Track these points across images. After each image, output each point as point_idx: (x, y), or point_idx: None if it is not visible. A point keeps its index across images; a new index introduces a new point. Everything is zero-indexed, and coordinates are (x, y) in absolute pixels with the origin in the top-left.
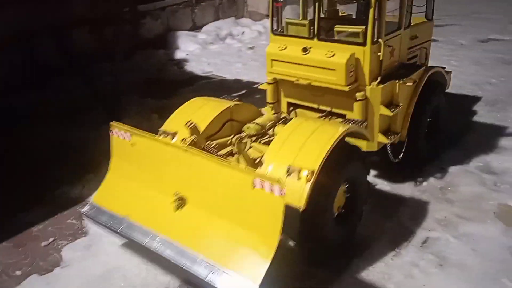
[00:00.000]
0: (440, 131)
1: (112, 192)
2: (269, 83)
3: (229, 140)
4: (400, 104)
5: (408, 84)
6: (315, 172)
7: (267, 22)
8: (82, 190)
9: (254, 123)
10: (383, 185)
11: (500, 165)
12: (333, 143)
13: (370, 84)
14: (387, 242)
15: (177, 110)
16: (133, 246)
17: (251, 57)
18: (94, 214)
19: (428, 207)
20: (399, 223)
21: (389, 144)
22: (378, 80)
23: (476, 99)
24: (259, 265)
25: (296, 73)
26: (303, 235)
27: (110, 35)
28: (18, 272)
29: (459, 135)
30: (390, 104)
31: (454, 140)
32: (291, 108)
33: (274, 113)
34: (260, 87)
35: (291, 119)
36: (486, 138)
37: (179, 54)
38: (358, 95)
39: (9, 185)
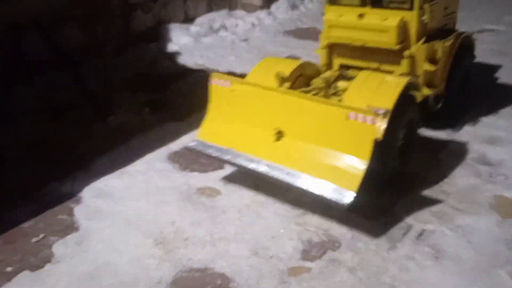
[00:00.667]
0: (469, 89)
1: (214, 129)
2: (323, 48)
3: (307, 89)
4: (440, 62)
5: (446, 44)
6: (390, 111)
7: (260, 14)
8: (72, 185)
9: (320, 78)
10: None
11: (496, 156)
12: (402, 88)
13: (415, 44)
14: (383, 236)
15: (253, 69)
16: (125, 241)
17: (244, 49)
18: (200, 148)
19: (424, 199)
20: (393, 216)
21: (430, 96)
22: (423, 40)
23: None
24: (355, 177)
25: (352, 36)
26: (376, 160)
27: (100, 30)
28: (9, 269)
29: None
30: (432, 61)
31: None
32: (342, 70)
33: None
34: (315, 51)
35: (348, 75)
36: (481, 129)
37: (171, 47)
38: (407, 53)
39: None
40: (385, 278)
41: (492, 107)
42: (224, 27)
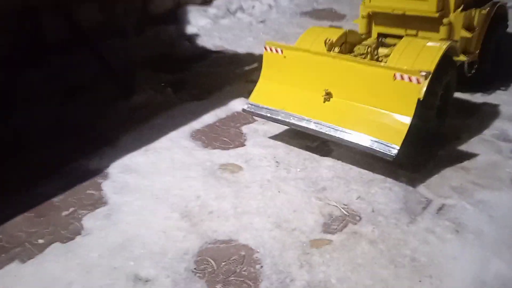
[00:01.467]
0: (501, 58)
1: (266, 93)
2: (363, 17)
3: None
4: (477, 28)
5: (483, 12)
6: (431, 72)
7: None
8: (100, 161)
9: (363, 44)
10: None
11: None
12: (443, 53)
13: (454, 11)
14: (403, 210)
15: (300, 38)
16: (153, 214)
17: (262, 30)
18: (254, 110)
19: (443, 175)
20: (414, 191)
21: (466, 62)
22: (461, 8)
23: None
24: (400, 131)
25: (392, 5)
26: (418, 117)
27: (120, 10)
28: (40, 241)
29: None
30: (468, 28)
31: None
32: (380, 39)
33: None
34: (354, 21)
35: (388, 43)
36: (502, 106)
37: (190, 29)
38: (445, 20)
39: (24, 159)
40: (405, 250)
41: None
42: (241, 8)
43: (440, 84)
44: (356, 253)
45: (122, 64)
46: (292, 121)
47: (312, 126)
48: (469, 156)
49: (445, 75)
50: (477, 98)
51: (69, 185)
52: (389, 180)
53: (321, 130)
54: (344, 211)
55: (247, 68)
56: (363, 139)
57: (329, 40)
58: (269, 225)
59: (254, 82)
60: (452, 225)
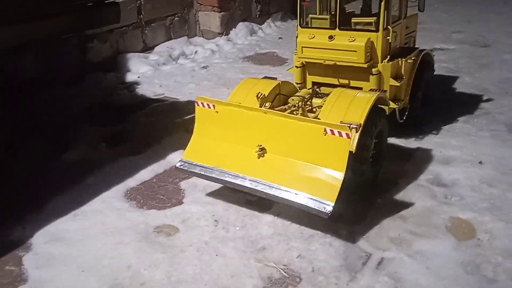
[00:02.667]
0: (430, 101)
1: (199, 149)
2: (297, 67)
3: (285, 107)
4: (404, 77)
5: (409, 61)
6: (361, 125)
7: (219, 40)
8: (23, 231)
9: (297, 96)
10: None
11: (450, 176)
12: (372, 104)
13: (382, 62)
14: (343, 267)
15: (234, 90)
16: None
17: (204, 77)
18: (187, 168)
19: (382, 225)
20: (354, 245)
21: (396, 109)
22: (388, 59)
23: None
24: (333, 188)
25: (323, 56)
26: (351, 170)
27: (55, 61)
28: None
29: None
30: (396, 77)
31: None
32: (315, 87)
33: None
34: (289, 71)
35: (322, 93)
36: (435, 150)
37: (130, 77)
38: (374, 70)
39: None
40: None
41: (444, 126)
42: (183, 54)
43: (371, 135)
44: None
45: (57, 117)
46: (227, 179)
47: (247, 184)
48: (406, 203)
49: (376, 125)
50: (411, 143)
51: None
52: (329, 234)
53: (256, 188)
54: (284, 273)
55: (187, 117)
56: (299, 197)
57: (261, 94)
58: None
59: None
60: (391, 281)
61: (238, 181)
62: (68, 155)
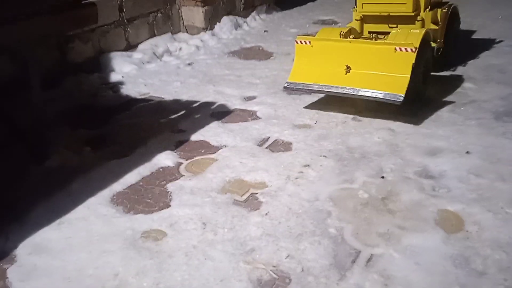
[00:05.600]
0: (458, 45)
1: (300, 73)
2: (357, 20)
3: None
4: (440, 23)
5: (443, 10)
6: (417, 47)
7: (204, 35)
8: (6, 243)
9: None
10: None
11: (437, 168)
12: (423, 34)
13: (424, 11)
14: (333, 266)
15: (317, 35)
16: None
17: (189, 74)
18: (292, 86)
19: (371, 220)
20: (343, 242)
21: (435, 47)
22: (429, 8)
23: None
24: (403, 84)
25: (379, 9)
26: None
27: (34, 62)
28: None
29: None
30: (435, 22)
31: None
32: (371, 35)
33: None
34: (348, 25)
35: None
36: (422, 141)
37: (114, 77)
38: (419, 17)
39: None
40: None
41: (431, 116)
42: (167, 51)
43: (423, 57)
44: None
45: (35, 121)
46: (324, 89)
47: (339, 90)
48: (394, 197)
49: (425, 52)
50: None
51: None
52: (318, 232)
53: (345, 92)
54: (273, 274)
55: (173, 116)
56: (378, 94)
57: (343, 32)
58: None
59: (182, 131)
60: (380, 278)
61: (332, 89)
62: (49, 161)
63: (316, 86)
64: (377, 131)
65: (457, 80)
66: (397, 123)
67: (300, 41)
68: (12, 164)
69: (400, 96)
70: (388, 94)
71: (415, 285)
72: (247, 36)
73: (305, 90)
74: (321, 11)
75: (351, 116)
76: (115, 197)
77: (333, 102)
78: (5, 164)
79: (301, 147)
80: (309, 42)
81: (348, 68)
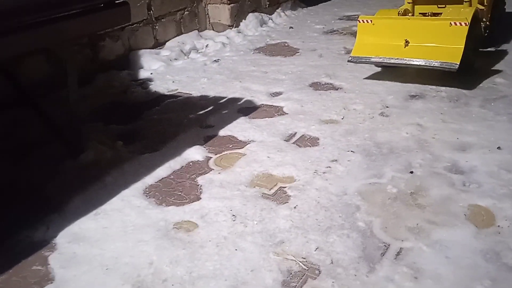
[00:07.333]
0: (503, 25)
1: (362, 48)
2: (409, 3)
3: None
4: (486, 3)
5: None
6: (469, 22)
7: (230, 32)
8: (47, 232)
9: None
10: None
11: (467, 163)
12: (474, 11)
13: None
14: (362, 258)
15: (375, 15)
16: None
17: (216, 70)
18: (356, 60)
19: (400, 215)
20: (371, 236)
21: (482, 25)
22: None
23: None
24: (457, 54)
25: None
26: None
27: (69, 61)
28: None
29: None
30: (481, 3)
31: None
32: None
33: None
34: (399, 8)
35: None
36: (451, 136)
37: (143, 74)
38: None
39: None
40: None
41: (460, 111)
42: (194, 48)
43: (473, 31)
44: None
45: (71, 118)
46: (385, 60)
47: (399, 61)
48: (423, 192)
49: (475, 26)
50: (428, 130)
51: (12, 262)
52: (347, 225)
53: (405, 62)
54: (303, 265)
55: (201, 112)
56: (435, 63)
57: (401, 11)
58: None
59: (210, 126)
60: (410, 271)
61: (392, 61)
62: (84, 156)
63: (378, 59)
64: (405, 126)
65: (488, 74)
66: (425, 118)
67: (362, 20)
68: (50, 159)
69: (455, 64)
70: (444, 62)
71: (445, 278)
72: (273, 32)
73: (367, 62)
74: (346, 7)
75: (379, 111)
76: (147, 190)
77: (359, 97)
78: (43, 159)
79: (328, 142)
80: (371, 21)
81: (407, 42)
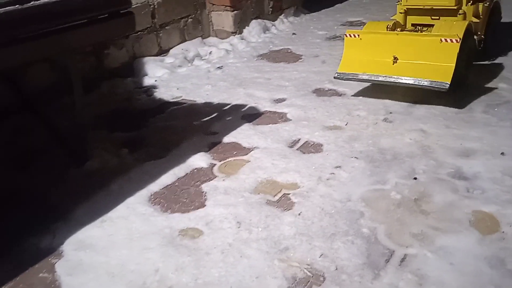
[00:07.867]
0: (497, 38)
1: (349, 64)
2: (401, 13)
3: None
4: (481, 16)
5: (485, 5)
6: (461, 38)
7: (233, 39)
8: (53, 239)
9: (408, 28)
10: None
11: (471, 169)
12: (466, 25)
13: (466, 5)
14: (367, 265)
15: (363, 28)
16: None
17: (219, 77)
18: (342, 76)
19: (404, 221)
20: (376, 242)
21: (476, 39)
22: (471, 2)
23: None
24: (448, 72)
25: (423, 2)
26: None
27: (73, 69)
28: None
29: None
30: (476, 16)
31: None
32: (415, 27)
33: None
34: (392, 18)
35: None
36: (454, 141)
37: (147, 81)
38: (460, 11)
39: None
40: None
41: (463, 117)
42: (198, 55)
43: (466, 47)
44: None
45: (75, 125)
46: (372, 78)
47: (386, 79)
48: (427, 198)
49: (468, 41)
50: (431, 136)
51: (19, 270)
52: (351, 232)
53: (393, 80)
54: (307, 272)
55: (205, 118)
56: (424, 82)
57: (389, 25)
58: None
59: (214, 133)
60: (415, 278)
61: (380, 79)
62: (89, 163)
63: (365, 76)
64: (408, 133)
65: (491, 80)
66: (428, 124)
67: (349, 35)
68: (55, 166)
69: (446, 83)
70: (434, 82)
71: (449, 285)
72: (276, 39)
73: (354, 79)
74: (349, 13)
75: (382, 117)
76: (152, 197)
77: (362, 103)
78: (48, 167)
79: (332, 148)
80: (358, 35)
81: (396, 58)
